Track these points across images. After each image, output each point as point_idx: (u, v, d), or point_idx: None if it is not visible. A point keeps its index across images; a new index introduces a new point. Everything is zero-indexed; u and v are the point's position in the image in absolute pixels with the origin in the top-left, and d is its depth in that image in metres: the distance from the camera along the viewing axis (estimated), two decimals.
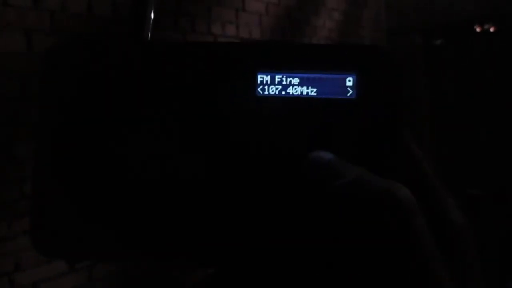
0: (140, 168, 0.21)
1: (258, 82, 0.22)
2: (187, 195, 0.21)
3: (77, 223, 0.21)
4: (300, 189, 0.21)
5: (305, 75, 0.22)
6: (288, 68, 0.22)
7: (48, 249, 0.22)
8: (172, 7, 1.71)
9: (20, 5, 1.27)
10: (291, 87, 0.22)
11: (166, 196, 0.21)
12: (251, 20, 2.06)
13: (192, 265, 0.22)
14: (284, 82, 0.22)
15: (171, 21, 1.71)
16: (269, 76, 0.22)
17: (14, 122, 1.26)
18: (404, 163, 0.21)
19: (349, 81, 0.22)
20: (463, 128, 2.78)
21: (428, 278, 0.18)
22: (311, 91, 0.22)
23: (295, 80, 0.22)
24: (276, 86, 0.22)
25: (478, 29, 2.79)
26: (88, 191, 0.21)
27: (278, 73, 0.22)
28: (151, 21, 0.28)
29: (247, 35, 2.04)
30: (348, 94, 0.21)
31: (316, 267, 0.20)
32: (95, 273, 1.43)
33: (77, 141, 0.22)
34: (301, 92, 0.22)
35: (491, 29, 2.76)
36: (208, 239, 0.21)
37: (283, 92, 0.22)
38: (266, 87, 0.22)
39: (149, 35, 0.28)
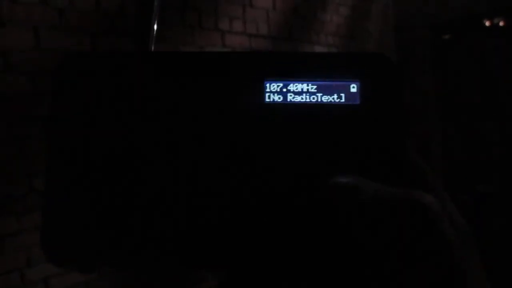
0: (150, 177, 0.22)
1: (266, 89, 0.23)
2: (196, 203, 0.22)
3: (89, 233, 0.22)
4: (312, 199, 0.21)
5: (311, 82, 0.23)
6: (295, 76, 0.23)
7: (61, 260, 0.22)
8: (179, 3, 1.71)
9: (28, 1, 1.28)
10: (297, 94, 0.23)
11: (176, 204, 0.22)
12: (258, 15, 2.06)
13: (204, 271, 0.22)
14: (291, 89, 0.23)
15: (178, 17, 1.71)
16: (276, 84, 0.23)
17: (23, 117, 1.27)
18: (406, 167, 0.22)
19: (353, 88, 0.22)
20: (472, 124, 2.76)
21: (461, 279, 0.18)
22: (317, 98, 0.23)
23: (302, 87, 0.23)
24: (283, 93, 0.23)
25: (487, 24, 2.76)
26: (99, 202, 0.22)
27: (285, 80, 0.23)
28: (155, 32, 0.29)
29: (254, 31, 2.03)
30: (352, 101, 0.22)
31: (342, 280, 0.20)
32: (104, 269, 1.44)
33: (87, 152, 0.22)
34: (307, 99, 0.23)
35: (501, 23, 2.73)
36: (220, 248, 0.21)
37: (290, 99, 0.23)
38: (273, 94, 0.23)
39: (153, 45, 0.29)
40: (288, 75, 0.23)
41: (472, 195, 2.28)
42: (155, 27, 0.29)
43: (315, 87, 0.23)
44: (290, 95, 0.23)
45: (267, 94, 0.22)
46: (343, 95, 0.22)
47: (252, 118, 0.22)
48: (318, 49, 2.35)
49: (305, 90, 0.23)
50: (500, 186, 2.51)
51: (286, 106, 0.22)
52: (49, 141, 0.23)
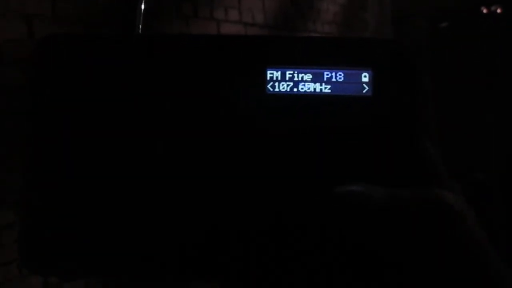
0: (137, 177, 0.20)
1: (268, 78, 0.20)
2: (189, 204, 0.20)
3: (68, 238, 0.20)
4: (316, 200, 0.19)
5: (318, 71, 0.20)
6: (300, 63, 0.20)
7: (37, 266, 0.20)
8: None
9: None
10: (303, 84, 0.20)
11: (165, 208, 0.20)
12: (254, 4, 2.04)
13: (191, 280, 0.20)
14: (295, 78, 0.20)
15: (173, 7, 1.69)
16: (279, 72, 0.20)
17: (18, 111, 1.26)
18: (419, 162, 0.20)
19: (365, 77, 0.20)
20: (469, 111, 2.76)
21: (488, 275, 0.18)
22: (325, 88, 0.20)
23: (308, 76, 0.20)
24: (287, 83, 0.20)
25: (484, 11, 2.75)
26: (80, 204, 0.20)
27: (289, 68, 0.20)
28: (142, 13, 0.27)
29: (250, 19, 2.02)
30: (364, 91, 0.20)
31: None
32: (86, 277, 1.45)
33: (69, 147, 0.20)
34: (314, 89, 0.20)
35: (498, 11, 2.72)
36: (215, 252, 0.20)
37: (295, 89, 0.20)
38: (276, 83, 0.20)
39: (140, 27, 0.27)
40: (293, 62, 0.20)
41: (470, 184, 2.28)
42: (143, 6, 0.28)
43: (322, 76, 0.20)
44: (295, 85, 0.20)
45: (269, 84, 0.20)
46: (353, 85, 0.20)
47: (253, 111, 0.20)
48: None
49: (311, 79, 0.20)
50: (498, 173, 2.51)
51: (291, 97, 0.20)
52: (31, 136, 0.20)
